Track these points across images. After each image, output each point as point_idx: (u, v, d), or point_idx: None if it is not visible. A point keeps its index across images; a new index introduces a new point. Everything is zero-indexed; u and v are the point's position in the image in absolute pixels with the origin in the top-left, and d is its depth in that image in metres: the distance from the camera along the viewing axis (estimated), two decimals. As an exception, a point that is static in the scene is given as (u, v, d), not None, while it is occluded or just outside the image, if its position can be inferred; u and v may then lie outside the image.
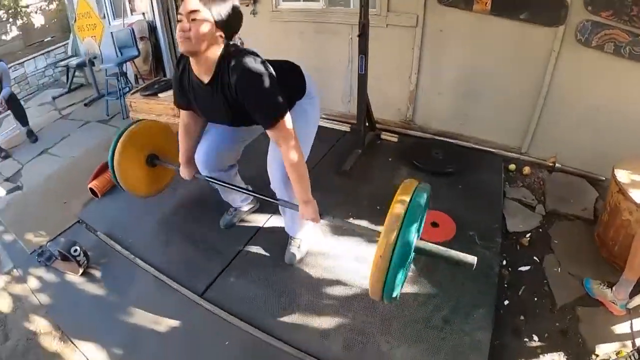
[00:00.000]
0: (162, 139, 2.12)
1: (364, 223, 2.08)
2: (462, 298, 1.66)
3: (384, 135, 2.83)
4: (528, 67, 2.21)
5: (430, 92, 2.63)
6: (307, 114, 1.60)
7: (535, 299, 1.74)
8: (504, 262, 1.90)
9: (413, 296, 1.69)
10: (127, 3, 4.35)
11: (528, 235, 2.03)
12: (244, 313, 1.68)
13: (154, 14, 4.03)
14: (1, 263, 2.26)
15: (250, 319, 1.65)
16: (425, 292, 1.71)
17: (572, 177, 2.32)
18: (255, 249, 2.00)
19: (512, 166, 2.44)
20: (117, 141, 1.94)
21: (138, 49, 4.08)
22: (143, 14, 4.18)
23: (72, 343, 1.71)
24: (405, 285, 1.71)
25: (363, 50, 2.21)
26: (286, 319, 1.64)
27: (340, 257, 1.91)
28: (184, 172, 1.84)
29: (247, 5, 3.05)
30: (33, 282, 2.05)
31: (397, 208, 1.23)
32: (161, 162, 2.08)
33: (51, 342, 1.75)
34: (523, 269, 1.87)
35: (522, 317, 1.67)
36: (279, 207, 1.83)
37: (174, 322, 1.72)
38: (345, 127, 3.00)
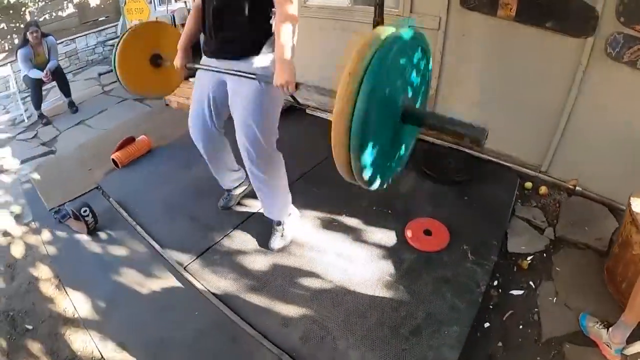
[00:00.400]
0: (167, 40, 2.05)
1: (355, 221, 2.12)
2: (438, 311, 1.62)
3: None
4: (553, 80, 2.09)
5: (449, 98, 2.57)
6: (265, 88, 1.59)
7: (521, 327, 1.65)
8: (495, 283, 1.82)
9: (387, 300, 1.68)
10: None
11: (529, 258, 1.93)
12: (217, 289, 1.78)
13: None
14: (23, 215, 2.56)
15: (221, 295, 1.74)
16: (400, 297, 1.69)
17: (592, 203, 2.16)
18: (244, 233, 2.09)
19: (529, 184, 2.33)
20: (120, 40, 1.94)
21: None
22: (185, 2, 4.51)
23: (65, 291, 1.91)
24: (381, 287, 1.73)
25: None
26: (255, 300, 1.71)
27: (322, 250, 1.94)
28: (176, 60, 1.82)
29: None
30: (46, 235, 2.30)
31: (368, 40, 0.96)
32: (164, 62, 2.04)
33: (48, 287, 1.97)
34: (515, 292, 1.78)
35: (500, 344, 1.59)
36: (256, 191, 1.91)
37: (155, 287, 1.86)
38: None
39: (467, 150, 2.59)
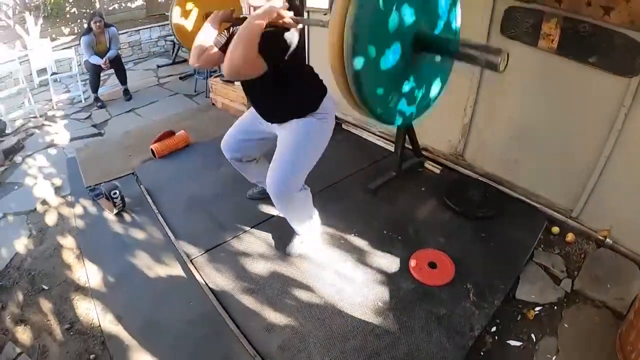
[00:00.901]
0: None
1: (363, 242, 2.17)
2: (423, 348, 1.62)
3: (428, 164, 2.82)
4: (592, 120, 2.00)
5: (483, 129, 2.55)
6: (313, 130, 1.73)
7: (510, 380, 1.62)
8: (493, 329, 1.78)
9: (373, 326, 1.71)
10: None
11: (537, 308, 1.86)
12: (215, 284, 1.91)
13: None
14: (62, 187, 2.90)
15: (216, 291, 1.87)
16: (386, 326, 1.71)
17: (621, 258, 2.03)
18: (254, 236, 2.22)
19: (556, 229, 2.24)
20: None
21: (231, 38, 4.72)
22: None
23: (83, 261, 2.16)
24: (370, 313, 1.76)
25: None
26: (246, 301, 1.82)
27: (323, 266, 2.01)
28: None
29: (326, 15, 3.30)
30: (78, 209, 2.59)
31: None
32: None
33: (69, 256, 2.24)
34: (512, 343, 1.73)
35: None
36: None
37: (162, 272, 2.05)
38: (393, 148, 3.05)
39: (495, 185, 2.55)
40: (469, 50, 0.98)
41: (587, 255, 2.11)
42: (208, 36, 1.61)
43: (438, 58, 1.30)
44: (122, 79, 4.64)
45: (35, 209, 2.66)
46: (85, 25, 4.53)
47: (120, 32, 5.46)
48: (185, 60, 6.12)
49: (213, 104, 4.19)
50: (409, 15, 1.02)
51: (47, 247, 2.32)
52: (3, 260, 2.24)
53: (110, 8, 8.35)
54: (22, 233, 2.45)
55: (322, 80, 1.78)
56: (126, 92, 4.65)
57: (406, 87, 1.12)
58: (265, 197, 2.36)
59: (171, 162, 3.07)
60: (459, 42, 1.00)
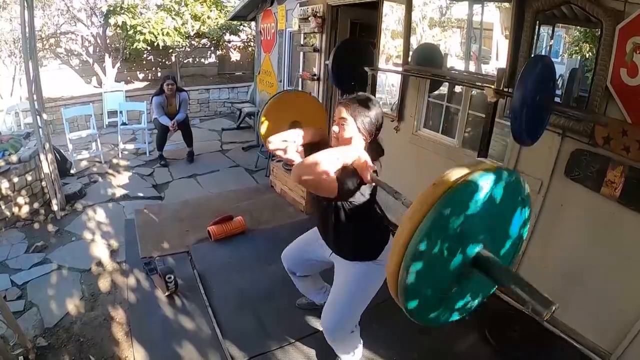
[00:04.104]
0: (309, 110, 2.51)
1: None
2: None
3: None
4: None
5: (535, 263, 2.83)
6: (370, 277, 2.10)
7: None
8: None
9: None
10: (300, 78, 5.86)
11: None
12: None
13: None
14: (118, 253, 3.44)
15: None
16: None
17: None
18: (301, 349, 2.55)
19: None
20: (267, 102, 2.43)
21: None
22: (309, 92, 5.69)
23: (132, 340, 2.55)
24: None
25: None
26: None
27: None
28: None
29: (392, 121, 3.93)
30: (132, 280, 3.07)
31: (455, 173, 1.12)
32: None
33: (119, 331, 2.64)
34: None
35: None
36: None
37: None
38: None
39: (538, 319, 2.77)
40: (520, 289, 1.09)
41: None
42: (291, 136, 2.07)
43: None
44: (189, 141, 5.48)
45: (90, 269, 3.19)
46: (159, 83, 5.49)
47: (191, 88, 6.55)
48: (250, 127, 7.07)
49: (272, 186, 4.79)
50: (476, 234, 1.21)
51: (98, 314, 2.77)
52: (54, 317, 2.70)
53: (185, 61, 9.92)
54: (74, 293, 2.93)
55: (388, 227, 2.18)
56: (190, 154, 5.45)
57: (446, 294, 1.31)
58: (312, 309, 2.75)
59: (225, 247, 3.57)
60: (510, 274, 1.14)
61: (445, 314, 1.37)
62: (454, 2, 3.56)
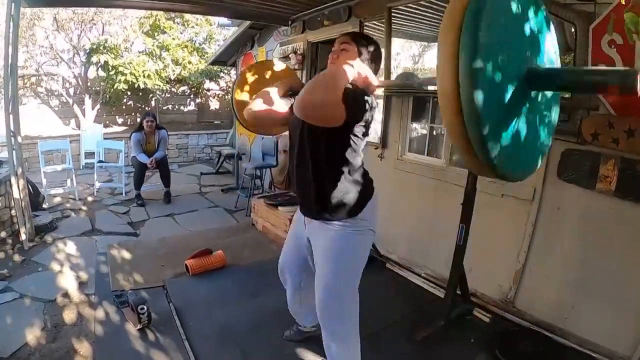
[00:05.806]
0: (279, 75, 2.47)
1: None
2: None
3: (477, 312, 2.96)
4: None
5: (537, 274, 2.75)
6: (352, 237, 1.91)
7: None
8: None
9: None
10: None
11: None
12: None
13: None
14: (87, 285, 3.20)
15: None
16: None
17: None
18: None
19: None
20: (239, 74, 2.46)
21: (277, 160, 5.54)
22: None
23: None
24: None
25: (465, 219, 2.62)
26: None
27: None
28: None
29: (376, 149, 3.98)
30: (100, 313, 2.82)
31: None
32: None
33: None
34: None
35: None
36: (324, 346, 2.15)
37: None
38: (440, 292, 3.23)
39: (548, 334, 2.67)
40: (593, 76, 0.99)
41: None
42: (271, 96, 1.95)
43: (548, 96, 1.36)
44: (166, 181, 5.37)
45: (55, 299, 2.93)
46: (138, 121, 5.49)
47: (170, 133, 6.53)
48: (228, 172, 6.99)
49: (253, 224, 4.66)
50: (519, 50, 1.16)
51: (59, 346, 2.49)
52: (10, 347, 2.43)
53: (165, 107, 10.01)
54: (35, 322, 2.67)
55: (372, 182, 1.99)
56: (167, 194, 5.32)
57: (523, 130, 1.20)
58: (302, 340, 2.56)
59: (205, 281, 3.35)
60: (574, 69, 1.10)
61: (525, 151, 1.23)
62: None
